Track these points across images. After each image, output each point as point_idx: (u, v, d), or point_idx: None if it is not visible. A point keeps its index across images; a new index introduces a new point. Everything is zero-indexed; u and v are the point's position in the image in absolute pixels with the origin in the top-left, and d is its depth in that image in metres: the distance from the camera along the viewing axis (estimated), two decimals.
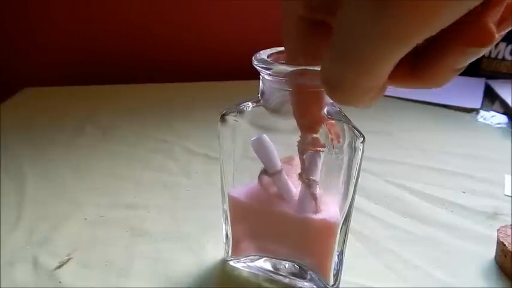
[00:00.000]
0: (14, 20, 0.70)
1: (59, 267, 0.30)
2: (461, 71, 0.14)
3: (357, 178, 0.24)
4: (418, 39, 0.11)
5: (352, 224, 0.27)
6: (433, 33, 0.11)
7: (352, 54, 0.12)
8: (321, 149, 0.24)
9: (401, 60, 0.13)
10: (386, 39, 0.11)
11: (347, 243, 0.27)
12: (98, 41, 0.74)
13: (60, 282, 0.29)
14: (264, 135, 0.24)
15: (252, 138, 0.25)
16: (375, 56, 0.12)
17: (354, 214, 0.26)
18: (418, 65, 0.14)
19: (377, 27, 0.11)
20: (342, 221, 0.25)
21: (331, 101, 0.23)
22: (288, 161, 0.26)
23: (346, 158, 0.23)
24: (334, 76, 0.14)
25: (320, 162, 0.24)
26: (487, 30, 0.12)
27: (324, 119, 0.23)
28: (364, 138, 0.23)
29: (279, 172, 0.25)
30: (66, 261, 0.31)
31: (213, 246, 0.32)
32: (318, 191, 0.25)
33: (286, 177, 0.26)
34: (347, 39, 0.12)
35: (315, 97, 0.22)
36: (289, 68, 0.20)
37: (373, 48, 0.12)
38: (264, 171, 0.26)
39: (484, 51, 0.13)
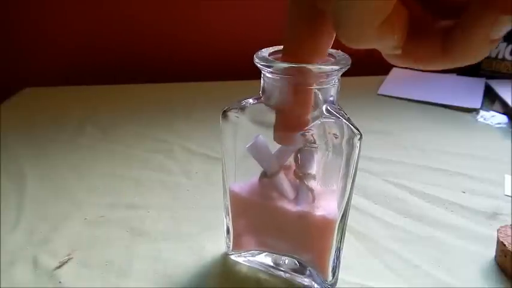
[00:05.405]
0: (14, 20, 0.70)
1: (59, 267, 0.30)
2: (498, 42, 0.14)
3: (354, 175, 0.25)
4: None
5: (352, 223, 0.27)
6: None
7: None
8: (314, 145, 0.24)
9: (433, 38, 0.14)
10: None
11: (345, 242, 0.27)
12: (98, 41, 0.74)
13: (60, 282, 0.29)
14: (260, 137, 0.25)
15: (247, 145, 0.25)
16: None
17: (353, 214, 0.26)
18: (451, 42, 0.14)
19: None
20: (339, 218, 0.26)
21: (331, 98, 0.24)
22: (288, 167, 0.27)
23: (344, 155, 0.24)
24: (341, 12, 0.14)
25: (314, 156, 0.24)
26: None
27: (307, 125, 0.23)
28: (361, 135, 0.23)
29: (277, 173, 0.26)
30: (66, 261, 0.31)
31: (213, 246, 0.32)
32: (315, 184, 0.25)
33: (285, 177, 0.26)
34: None
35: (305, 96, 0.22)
36: (287, 64, 0.21)
37: None
38: (264, 174, 0.26)
39: None
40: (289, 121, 0.23)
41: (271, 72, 0.22)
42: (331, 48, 0.21)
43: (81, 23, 0.72)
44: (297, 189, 0.26)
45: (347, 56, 0.23)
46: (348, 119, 0.24)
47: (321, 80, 0.22)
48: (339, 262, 0.27)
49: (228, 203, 0.29)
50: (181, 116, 0.58)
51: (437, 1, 0.16)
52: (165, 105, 0.62)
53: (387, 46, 0.15)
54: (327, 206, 0.26)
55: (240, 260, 0.30)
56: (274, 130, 0.23)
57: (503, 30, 0.13)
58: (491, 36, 0.13)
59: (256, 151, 0.25)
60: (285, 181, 0.26)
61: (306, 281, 0.28)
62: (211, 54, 0.76)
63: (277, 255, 0.29)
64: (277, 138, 0.24)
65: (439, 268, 0.30)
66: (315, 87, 0.22)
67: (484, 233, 0.34)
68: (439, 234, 0.34)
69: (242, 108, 0.25)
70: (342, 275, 0.28)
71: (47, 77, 0.74)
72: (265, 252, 0.29)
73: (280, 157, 0.26)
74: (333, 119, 0.23)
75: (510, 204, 0.38)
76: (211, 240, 0.33)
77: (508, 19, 0.13)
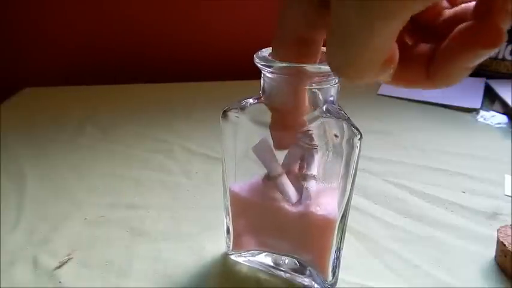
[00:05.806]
0: (14, 20, 0.70)
1: (59, 267, 0.30)
2: (473, 69, 0.15)
3: (354, 175, 0.25)
4: (402, 16, 0.13)
5: (352, 223, 0.27)
6: (413, 11, 0.12)
7: (346, 35, 0.14)
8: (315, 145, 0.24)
9: (418, 65, 0.16)
10: (370, 21, 0.13)
11: (345, 242, 0.27)
12: (98, 41, 0.74)
13: (60, 282, 0.29)
14: (265, 139, 0.25)
15: (252, 146, 0.25)
16: (364, 33, 0.13)
17: (353, 214, 0.26)
18: (433, 69, 0.16)
19: (360, 11, 0.13)
20: (339, 218, 0.26)
21: (331, 98, 0.24)
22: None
23: (344, 155, 0.24)
24: (336, 56, 0.15)
25: (315, 157, 0.24)
26: (497, 32, 0.13)
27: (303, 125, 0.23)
28: (361, 135, 0.23)
29: (280, 175, 0.26)
30: (66, 261, 0.31)
31: (213, 246, 0.32)
32: (315, 184, 0.25)
33: (288, 180, 0.26)
34: (340, 25, 0.14)
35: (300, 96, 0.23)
36: (287, 64, 0.21)
37: (360, 28, 0.13)
38: (268, 176, 0.26)
39: (495, 50, 0.14)
40: (286, 121, 0.23)
41: (271, 72, 0.22)
42: None
43: (81, 23, 0.72)
44: (300, 193, 0.26)
45: None
46: (348, 119, 0.24)
47: (321, 80, 0.22)
48: (339, 262, 0.27)
49: (228, 203, 0.29)
50: (181, 116, 0.58)
51: (420, 27, 0.17)
52: (165, 105, 0.62)
53: (383, 77, 0.16)
54: (327, 206, 0.26)
55: (240, 260, 0.30)
56: (270, 129, 0.23)
57: (480, 61, 0.14)
58: (467, 65, 0.15)
59: (261, 152, 0.25)
60: (287, 184, 0.26)
61: (306, 281, 0.28)
62: (211, 54, 0.76)
63: (277, 255, 0.29)
64: (275, 143, 0.24)
65: (439, 268, 0.30)
66: (315, 87, 0.22)
67: (484, 233, 0.34)
68: (439, 234, 0.34)
69: (242, 108, 0.25)
70: (342, 275, 0.28)
71: (47, 77, 0.74)
72: (265, 252, 0.29)
73: (288, 161, 0.26)
74: (333, 119, 0.23)
75: (510, 204, 0.38)
76: (211, 240, 0.33)
77: (486, 52, 0.14)
